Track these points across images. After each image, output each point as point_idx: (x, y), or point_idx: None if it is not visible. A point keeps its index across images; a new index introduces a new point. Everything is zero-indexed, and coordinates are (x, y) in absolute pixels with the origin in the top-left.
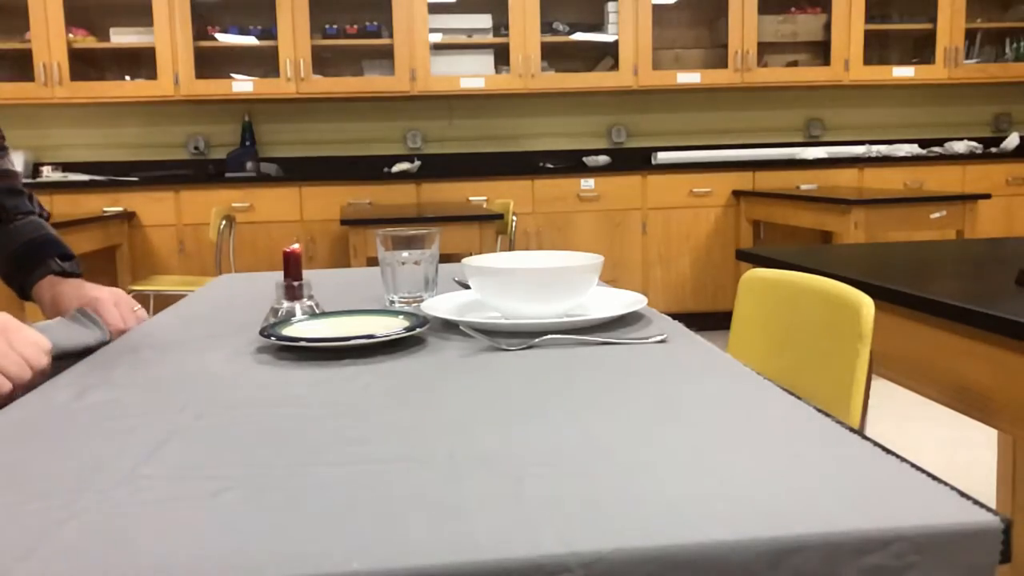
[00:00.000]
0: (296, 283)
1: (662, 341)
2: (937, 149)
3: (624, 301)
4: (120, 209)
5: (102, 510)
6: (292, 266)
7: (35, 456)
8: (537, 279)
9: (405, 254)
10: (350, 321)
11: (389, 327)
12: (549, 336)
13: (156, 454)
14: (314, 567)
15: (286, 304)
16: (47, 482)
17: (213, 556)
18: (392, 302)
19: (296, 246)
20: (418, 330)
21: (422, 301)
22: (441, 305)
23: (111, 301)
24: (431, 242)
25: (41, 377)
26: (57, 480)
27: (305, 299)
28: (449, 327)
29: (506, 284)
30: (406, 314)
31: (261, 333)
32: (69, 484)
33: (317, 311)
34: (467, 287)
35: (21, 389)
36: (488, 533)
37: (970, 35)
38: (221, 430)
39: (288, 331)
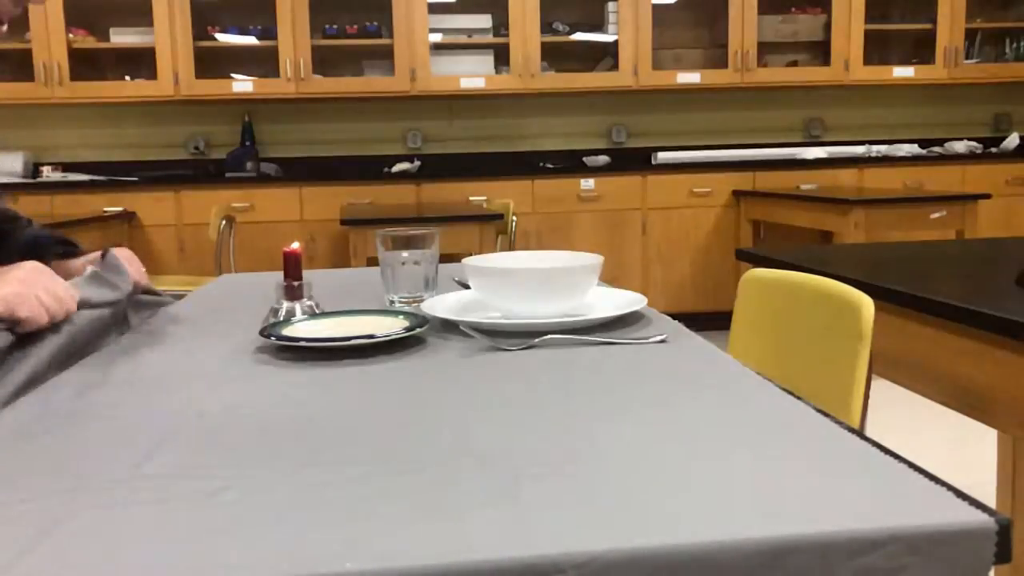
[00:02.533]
0: (296, 283)
1: (662, 341)
2: (937, 149)
3: (624, 301)
4: (120, 209)
5: (101, 509)
6: (292, 266)
7: (35, 455)
8: (537, 279)
9: (405, 254)
10: (350, 321)
11: (389, 327)
12: (549, 336)
13: (155, 454)
14: (310, 567)
15: (286, 304)
16: (47, 481)
17: (211, 556)
18: (392, 302)
19: (296, 246)
20: (418, 330)
21: (422, 301)
22: (441, 305)
23: (125, 256)
24: (431, 242)
25: (66, 325)
26: (56, 479)
27: (305, 299)
28: (449, 327)
29: (506, 284)
30: (406, 314)
31: (261, 333)
32: (68, 484)
33: (317, 311)
34: (467, 287)
35: (50, 327)
36: (483, 533)
37: (970, 35)
38: (220, 430)
39: (288, 331)
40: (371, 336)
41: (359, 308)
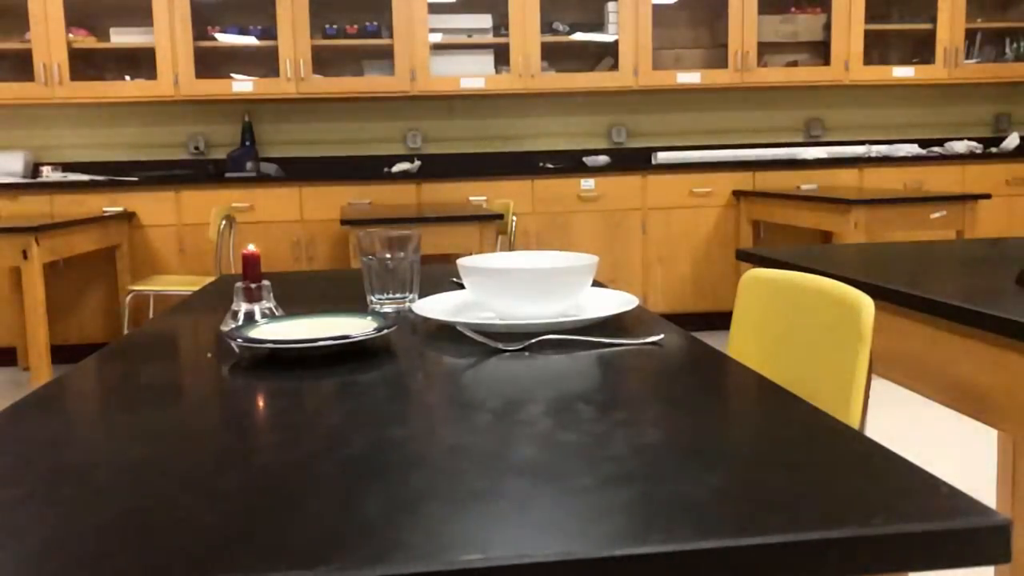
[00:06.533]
0: (255, 285)
1: (657, 343)
2: (937, 149)
3: (615, 302)
4: (120, 209)
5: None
6: (251, 268)
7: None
8: (531, 279)
9: (387, 255)
10: (318, 322)
11: (356, 328)
12: (544, 337)
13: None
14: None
15: (245, 306)
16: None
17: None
18: (373, 303)
19: (253, 249)
20: (385, 331)
21: (404, 302)
22: (436, 306)
23: None
24: (412, 243)
25: None
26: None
27: (264, 301)
28: (444, 327)
29: (499, 284)
30: (375, 314)
31: (228, 337)
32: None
33: (276, 313)
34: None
35: None
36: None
37: (970, 35)
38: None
39: (255, 333)
40: (347, 337)
41: (343, 309)
